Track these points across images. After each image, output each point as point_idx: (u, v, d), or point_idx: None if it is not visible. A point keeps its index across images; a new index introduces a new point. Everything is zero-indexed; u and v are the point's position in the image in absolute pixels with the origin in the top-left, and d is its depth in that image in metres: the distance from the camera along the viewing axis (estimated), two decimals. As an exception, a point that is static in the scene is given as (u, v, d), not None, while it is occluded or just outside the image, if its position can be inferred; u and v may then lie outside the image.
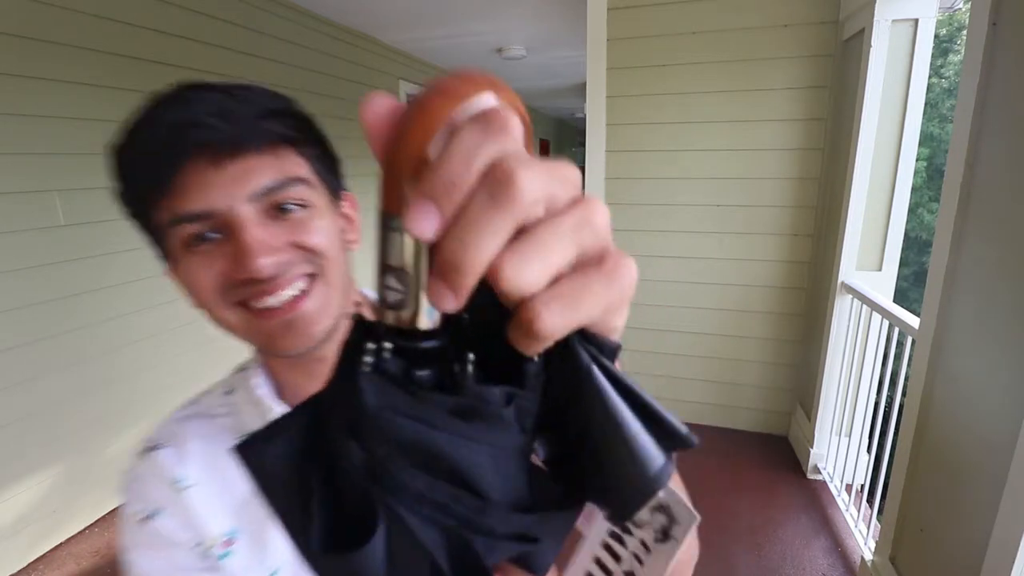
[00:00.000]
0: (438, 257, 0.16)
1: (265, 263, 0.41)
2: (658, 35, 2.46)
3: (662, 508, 0.33)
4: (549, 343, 0.17)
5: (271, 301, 0.42)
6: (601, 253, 0.18)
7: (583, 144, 2.79)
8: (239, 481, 0.47)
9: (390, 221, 0.18)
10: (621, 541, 0.35)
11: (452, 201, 0.15)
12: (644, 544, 0.34)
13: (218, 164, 0.40)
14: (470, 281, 0.16)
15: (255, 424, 0.42)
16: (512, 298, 0.16)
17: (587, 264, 0.17)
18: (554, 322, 0.16)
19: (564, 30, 3.95)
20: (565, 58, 5.00)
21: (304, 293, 0.44)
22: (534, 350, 0.17)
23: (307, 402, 0.20)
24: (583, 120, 2.91)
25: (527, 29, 4.00)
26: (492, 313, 0.18)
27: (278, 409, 0.47)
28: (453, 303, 0.16)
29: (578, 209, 0.17)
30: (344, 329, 0.25)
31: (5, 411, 1.88)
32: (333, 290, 0.46)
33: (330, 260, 0.45)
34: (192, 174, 0.40)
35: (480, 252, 0.15)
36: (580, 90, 7.17)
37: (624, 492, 0.20)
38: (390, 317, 0.18)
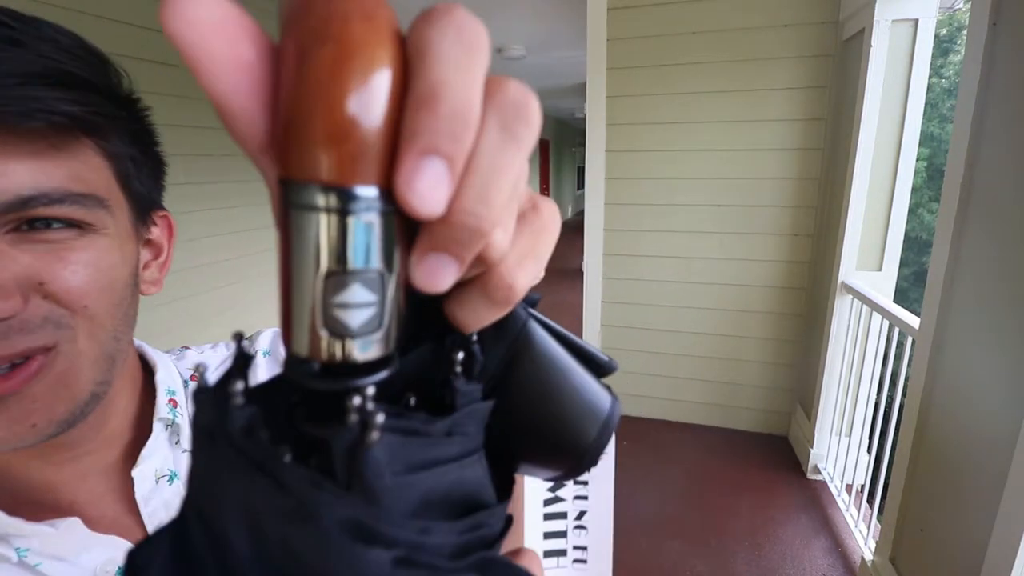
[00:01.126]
0: (438, 224, 0.12)
1: None
2: (658, 35, 2.46)
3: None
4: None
5: None
6: (531, 197, 0.16)
7: (583, 144, 2.79)
8: None
9: (317, 196, 0.12)
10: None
11: (463, 145, 0.12)
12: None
13: None
14: (480, 246, 0.13)
15: None
16: (488, 262, 0.14)
17: (528, 212, 0.15)
18: (527, 282, 0.15)
19: (564, 30, 3.95)
20: (565, 58, 5.01)
21: (30, 361, 0.28)
22: (496, 317, 0.15)
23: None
24: (583, 120, 2.91)
25: (527, 29, 4.00)
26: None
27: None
28: (452, 280, 0.13)
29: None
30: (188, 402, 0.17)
31: None
32: (85, 359, 0.30)
33: (89, 311, 0.29)
34: None
35: (500, 204, 0.13)
36: (580, 90, 7.17)
37: (585, 437, 0.18)
38: (354, 349, 0.13)
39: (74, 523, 0.31)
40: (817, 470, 2.36)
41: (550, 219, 0.16)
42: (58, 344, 0.28)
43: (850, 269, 2.17)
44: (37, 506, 0.32)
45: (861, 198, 2.08)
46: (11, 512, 0.30)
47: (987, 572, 1.13)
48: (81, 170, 0.28)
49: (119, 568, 0.31)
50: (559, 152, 12.74)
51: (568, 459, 0.19)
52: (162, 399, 0.37)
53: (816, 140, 2.38)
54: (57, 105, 0.26)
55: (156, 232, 0.37)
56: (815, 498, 2.24)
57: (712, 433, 2.79)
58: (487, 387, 0.18)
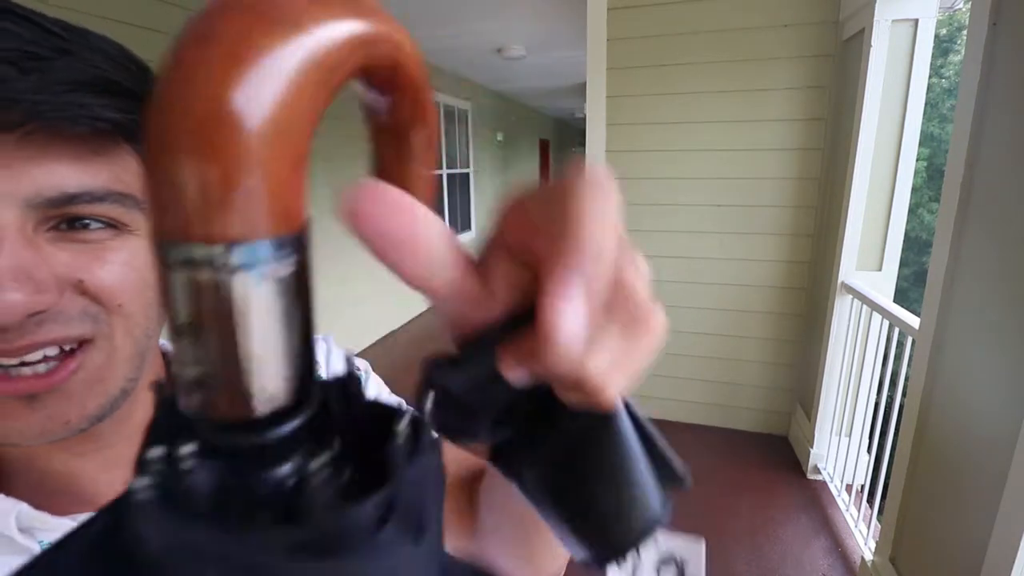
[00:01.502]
0: (543, 344, 0.14)
1: (13, 301, 0.25)
2: (658, 35, 2.46)
3: (675, 562, 0.32)
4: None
5: (10, 365, 0.27)
6: (646, 305, 0.16)
7: (583, 144, 2.79)
8: None
9: (199, 254, 0.11)
10: None
11: (596, 294, 0.14)
12: None
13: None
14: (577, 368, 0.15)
15: None
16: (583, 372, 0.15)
17: (639, 323, 0.16)
18: (620, 390, 0.16)
19: (564, 30, 3.95)
20: (565, 58, 5.01)
21: (68, 358, 0.28)
22: (587, 407, 0.16)
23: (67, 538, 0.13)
24: (583, 120, 2.91)
25: (527, 29, 4.00)
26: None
27: (12, 507, 0.30)
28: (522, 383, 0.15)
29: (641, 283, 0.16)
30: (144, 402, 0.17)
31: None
32: (120, 356, 0.31)
33: (124, 310, 0.30)
34: None
35: (603, 361, 0.15)
36: (580, 90, 7.16)
37: (631, 536, 0.19)
38: (196, 401, 0.12)
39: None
40: (817, 470, 2.36)
41: (658, 338, 0.17)
42: (95, 339, 0.29)
43: (850, 269, 2.17)
44: (59, 496, 0.33)
45: (861, 198, 2.08)
46: (36, 505, 0.30)
47: (987, 572, 1.13)
48: (120, 172, 0.29)
49: None
50: (559, 152, 12.74)
51: (604, 548, 0.19)
52: None
53: (816, 140, 2.38)
54: (102, 112, 0.27)
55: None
56: (815, 498, 2.24)
57: (712, 433, 2.80)
58: (561, 451, 0.18)
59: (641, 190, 2.67)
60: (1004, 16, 1.17)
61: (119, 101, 0.28)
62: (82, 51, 0.28)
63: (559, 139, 12.61)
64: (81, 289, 0.28)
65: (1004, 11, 1.17)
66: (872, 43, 1.92)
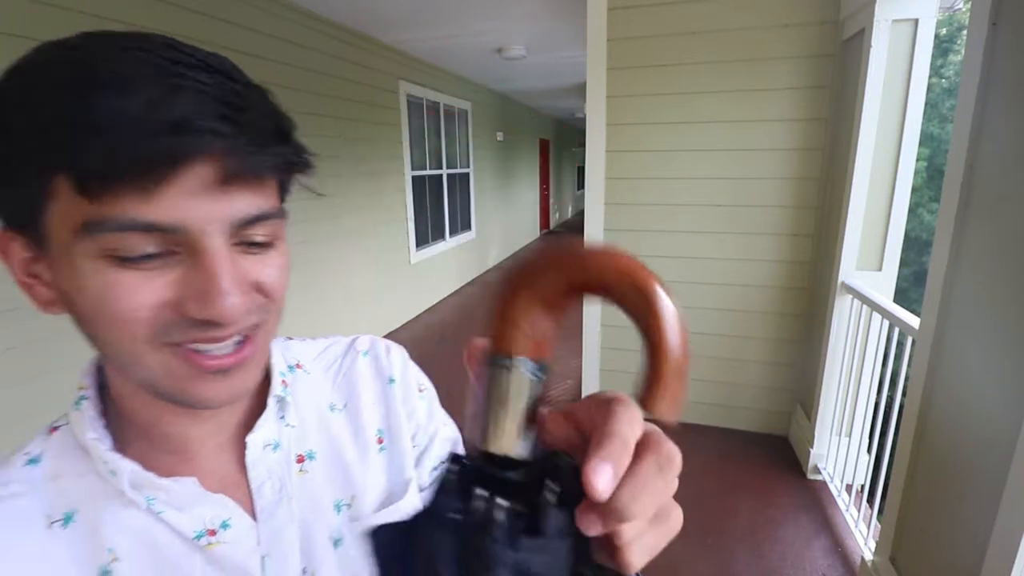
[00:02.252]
0: (607, 505, 0.22)
1: (234, 304, 0.32)
2: (658, 35, 2.46)
3: None
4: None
5: (215, 348, 0.34)
6: (670, 508, 0.26)
7: (583, 144, 2.79)
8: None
9: (502, 360, 0.25)
10: None
11: (623, 464, 0.23)
12: None
13: (220, 182, 0.31)
14: (617, 524, 0.23)
15: (85, 492, 0.37)
16: (616, 540, 0.24)
17: (662, 516, 0.25)
18: (640, 563, 0.24)
19: (564, 30, 3.96)
20: (565, 58, 5.01)
21: (247, 340, 0.36)
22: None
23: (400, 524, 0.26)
24: (583, 120, 2.91)
25: (527, 29, 4.00)
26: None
27: (126, 466, 0.36)
28: (593, 529, 0.23)
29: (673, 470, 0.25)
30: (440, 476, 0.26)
31: (5, 411, 1.88)
32: (271, 336, 0.39)
33: (277, 302, 0.38)
34: (177, 183, 0.30)
35: (643, 507, 0.23)
36: (580, 90, 7.16)
37: None
38: (493, 445, 0.25)
39: (192, 482, 0.38)
40: (817, 470, 2.36)
41: (676, 527, 0.26)
42: (260, 325, 0.37)
43: (850, 269, 2.17)
44: (167, 458, 0.40)
45: (861, 198, 2.08)
46: (145, 466, 0.37)
47: (987, 572, 1.13)
48: (270, 193, 0.36)
49: (224, 522, 0.39)
50: (559, 152, 12.73)
51: None
52: (276, 379, 0.45)
53: (816, 140, 2.38)
54: (288, 157, 0.35)
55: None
56: (815, 498, 2.24)
57: (712, 433, 2.80)
58: None
59: (641, 190, 2.67)
60: (1004, 16, 1.17)
61: (290, 146, 0.35)
62: (262, 103, 0.34)
63: (559, 139, 12.61)
64: (258, 288, 0.36)
65: (1004, 11, 1.17)
66: (872, 43, 1.92)
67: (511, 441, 0.24)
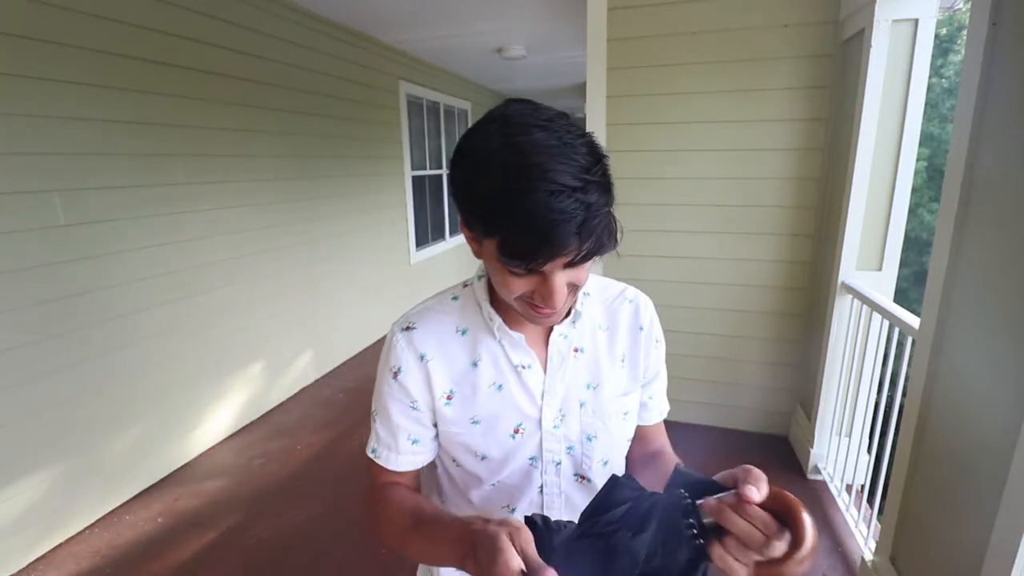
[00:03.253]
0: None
1: (560, 302, 0.57)
2: (658, 35, 2.46)
3: None
4: None
5: (546, 310, 0.60)
6: None
7: (583, 144, 2.78)
8: (459, 357, 0.69)
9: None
10: None
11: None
12: None
13: (568, 265, 0.54)
14: None
15: (474, 322, 0.70)
16: None
17: None
18: None
19: (564, 30, 3.95)
20: (565, 58, 5.00)
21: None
22: None
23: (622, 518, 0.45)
24: (583, 120, 2.90)
25: (527, 29, 4.00)
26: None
27: (496, 319, 0.68)
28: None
29: None
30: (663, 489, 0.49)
31: (5, 411, 1.88)
32: (575, 298, 0.65)
33: (583, 289, 0.66)
34: (549, 264, 0.53)
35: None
36: (580, 90, 7.16)
37: None
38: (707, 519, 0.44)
39: (521, 337, 0.68)
40: (817, 470, 2.36)
41: None
42: (572, 306, 0.67)
43: (850, 269, 2.17)
44: (516, 324, 0.69)
45: (861, 198, 2.08)
46: (506, 323, 0.68)
47: (987, 572, 1.13)
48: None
49: (529, 364, 0.68)
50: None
51: None
52: (580, 299, 0.69)
53: (816, 140, 2.38)
54: (604, 246, 0.54)
55: None
56: (815, 498, 2.24)
57: (712, 433, 2.80)
58: None
59: (641, 190, 2.67)
60: (1004, 16, 1.17)
61: (610, 236, 0.55)
62: (598, 183, 0.52)
63: (559, 139, 12.57)
64: (573, 284, 0.59)
65: (1004, 11, 1.17)
66: (872, 43, 1.92)
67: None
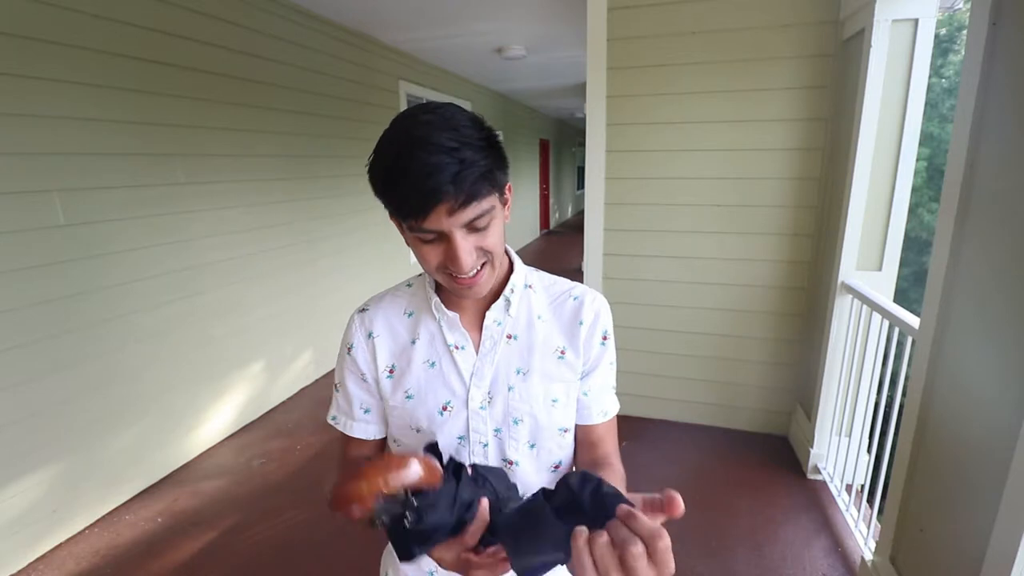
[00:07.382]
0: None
1: (467, 263, 0.62)
2: (658, 35, 2.46)
3: None
4: None
5: (463, 278, 0.65)
6: None
7: (583, 144, 2.79)
8: (402, 335, 0.76)
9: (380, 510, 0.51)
10: None
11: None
12: None
13: (451, 213, 0.58)
14: None
15: (421, 305, 0.77)
16: None
17: None
18: None
19: (564, 30, 3.95)
20: (565, 58, 5.00)
21: (479, 273, 0.65)
22: None
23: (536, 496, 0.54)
24: (583, 120, 2.90)
25: (527, 29, 4.00)
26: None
27: (435, 299, 0.75)
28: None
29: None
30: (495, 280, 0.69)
31: (5, 411, 1.88)
32: (492, 275, 0.68)
33: (496, 253, 0.66)
34: (433, 214, 0.58)
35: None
36: (580, 90, 7.16)
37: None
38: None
39: (455, 316, 0.73)
40: (817, 470, 2.36)
41: None
42: (485, 265, 0.66)
43: (850, 269, 2.17)
44: (453, 306, 0.75)
45: (861, 198, 2.08)
46: (444, 304, 0.75)
47: (987, 572, 1.13)
48: (487, 202, 0.61)
49: (463, 345, 0.73)
50: (559, 152, 12.72)
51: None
52: (508, 288, 0.74)
53: (816, 140, 2.38)
54: (486, 188, 0.60)
55: (507, 193, 0.69)
56: (815, 498, 2.24)
57: (712, 433, 2.80)
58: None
59: (641, 190, 2.67)
60: (1004, 16, 1.17)
61: (493, 177, 0.61)
62: (474, 145, 0.59)
63: (559, 139, 12.60)
64: (481, 248, 0.64)
65: (1004, 11, 1.17)
66: (872, 43, 1.92)
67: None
